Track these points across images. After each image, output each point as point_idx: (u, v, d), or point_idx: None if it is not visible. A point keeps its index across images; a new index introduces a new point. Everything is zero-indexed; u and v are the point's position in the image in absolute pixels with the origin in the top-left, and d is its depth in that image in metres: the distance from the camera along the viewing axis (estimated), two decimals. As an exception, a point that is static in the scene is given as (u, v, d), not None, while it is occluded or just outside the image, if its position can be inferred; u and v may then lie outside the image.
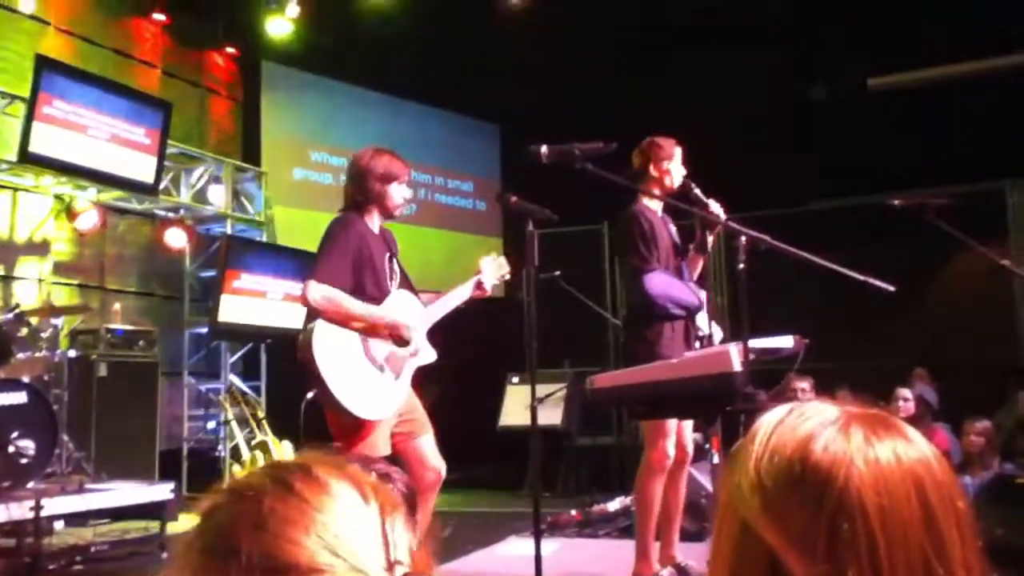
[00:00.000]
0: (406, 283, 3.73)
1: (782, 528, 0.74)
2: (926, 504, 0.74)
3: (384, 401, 3.45)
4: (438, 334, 3.75)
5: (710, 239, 4.09)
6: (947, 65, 8.08)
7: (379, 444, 3.40)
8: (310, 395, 3.47)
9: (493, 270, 3.87)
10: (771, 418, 0.82)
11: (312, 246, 8.50)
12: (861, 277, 2.79)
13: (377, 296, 3.50)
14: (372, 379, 3.43)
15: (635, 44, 8.39)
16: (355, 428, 3.38)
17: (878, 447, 0.75)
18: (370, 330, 3.43)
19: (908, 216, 3.73)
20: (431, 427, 3.65)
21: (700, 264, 4.17)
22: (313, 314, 3.42)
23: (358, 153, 3.68)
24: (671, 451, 3.96)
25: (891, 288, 2.80)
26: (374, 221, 3.63)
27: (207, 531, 0.66)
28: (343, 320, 3.38)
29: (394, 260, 3.67)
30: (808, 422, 0.78)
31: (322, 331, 3.37)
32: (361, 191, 3.59)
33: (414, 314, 3.60)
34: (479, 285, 3.80)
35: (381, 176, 3.57)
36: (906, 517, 0.73)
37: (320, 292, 3.35)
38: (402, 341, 3.46)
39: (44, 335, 5.53)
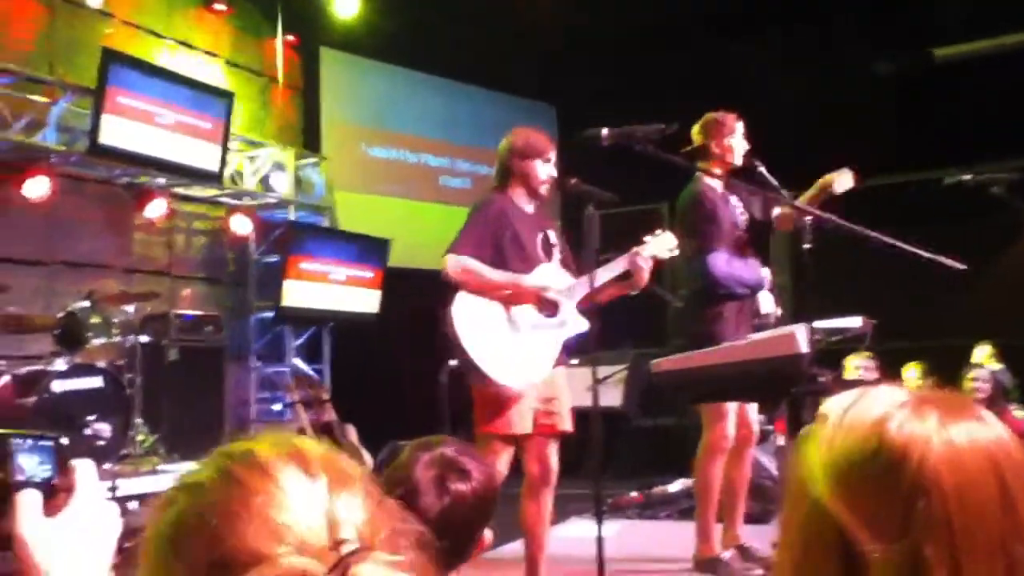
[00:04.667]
0: (571, 264, 3.69)
1: (855, 507, 0.74)
2: (1003, 484, 0.73)
3: (528, 368, 3.41)
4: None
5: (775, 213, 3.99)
6: (1017, 33, 7.80)
7: (516, 419, 3.37)
8: (452, 363, 3.48)
9: (658, 246, 3.67)
10: (842, 401, 0.82)
11: (373, 230, 8.63)
12: (931, 255, 2.73)
13: (523, 268, 3.49)
14: (516, 347, 3.41)
15: (693, 23, 8.27)
16: (496, 400, 3.37)
17: (952, 428, 0.75)
18: (513, 297, 3.41)
19: (977, 191, 3.63)
20: (569, 424, 3.56)
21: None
22: (454, 287, 3.43)
23: (505, 135, 3.67)
24: (731, 432, 3.93)
25: (962, 266, 2.74)
26: (522, 199, 3.61)
27: (159, 530, 0.66)
28: (482, 288, 3.39)
29: (551, 240, 3.63)
30: (880, 404, 0.78)
31: (462, 301, 3.40)
32: (503, 169, 3.62)
33: (559, 285, 3.55)
34: (634, 261, 3.57)
35: (521, 152, 3.57)
36: (983, 497, 0.72)
37: (457, 263, 3.38)
38: (549, 305, 3.42)
39: (116, 321, 5.71)
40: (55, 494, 0.90)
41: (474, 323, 3.38)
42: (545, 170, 3.58)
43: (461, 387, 3.65)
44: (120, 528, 0.94)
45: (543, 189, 3.61)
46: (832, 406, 0.82)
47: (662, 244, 3.67)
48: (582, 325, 3.58)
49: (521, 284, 3.42)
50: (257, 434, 0.72)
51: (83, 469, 0.93)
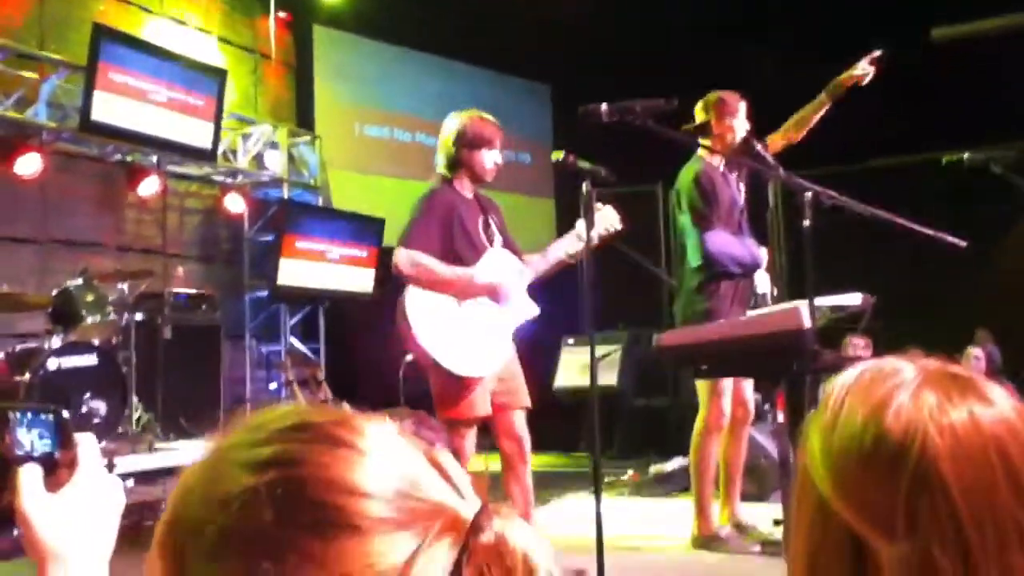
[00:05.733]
0: (509, 246, 3.70)
1: (858, 504, 0.71)
2: (1011, 469, 0.69)
3: (483, 358, 3.45)
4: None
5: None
6: (1017, 13, 7.77)
7: (478, 403, 3.42)
8: (408, 358, 3.49)
9: (599, 222, 3.63)
10: (843, 382, 0.77)
11: (367, 209, 8.61)
12: (933, 232, 2.73)
13: (472, 257, 3.51)
14: (469, 337, 3.43)
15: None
16: (455, 387, 3.40)
17: (953, 412, 0.71)
18: (462, 293, 3.44)
19: (976, 171, 3.62)
20: (528, 400, 3.62)
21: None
22: (404, 281, 3.45)
23: (449, 118, 3.61)
24: (727, 410, 3.95)
25: (963, 244, 2.73)
26: (465, 186, 3.59)
27: (259, 510, 0.58)
28: (433, 285, 3.40)
29: (491, 224, 3.63)
30: (880, 386, 0.74)
31: (414, 295, 3.41)
32: (450, 158, 3.56)
33: (510, 271, 3.57)
34: (579, 237, 3.57)
35: (470, 142, 3.53)
36: (990, 485, 0.68)
37: (408, 258, 3.37)
38: (499, 297, 3.46)
39: (110, 299, 5.68)
40: (57, 468, 0.88)
41: (427, 315, 3.40)
42: (491, 158, 3.56)
43: (419, 378, 3.66)
44: (124, 502, 0.92)
45: (489, 177, 3.60)
46: (833, 387, 0.78)
47: (604, 220, 3.64)
48: (533, 310, 3.63)
49: (471, 281, 3.43)
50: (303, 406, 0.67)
51: (85, 443, 0.90)
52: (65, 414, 0.91)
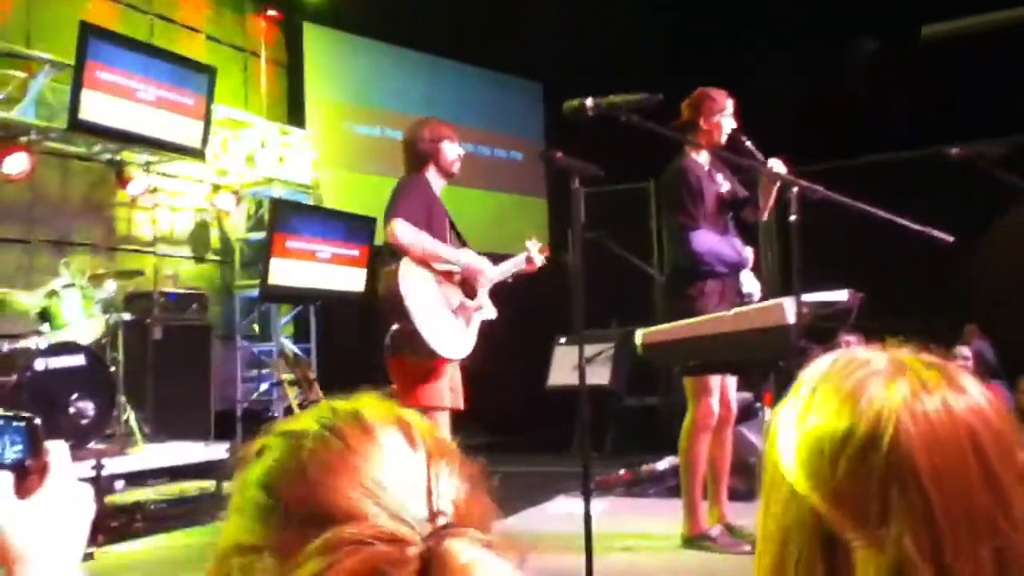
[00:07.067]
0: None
1: (830, 494, 0.69)
2: (983, 459, 0.68)
3: (458, 343, 3.60)
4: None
5: (771, 198, 3.95)
6: (1005, 10, 7.78)
7: (444, 393, 3.52)
8: (395, 327, 3.53)
9: (534, 254, 4.03)
10: (814, 371, 0.76)
11: (358, 207, 8.58)
12: (919, 227, 2.71)
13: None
14: (448, 321, 3.59)
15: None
16: (427, 369, 3.51)
17: (926, 400, 0.70)
18: (447, 273, 3.60)
19: (964, 167, 3.61)
20: (461, 405, 3.74)
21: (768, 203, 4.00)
22: (394, 253, 3.55)
23: (406, 127, 3.85)
24: (716, 408, 3.94)
25: (949, 239, 2.72)
26: (435, 183, 3.75)
27: (254, 477, 0.66)
28: (428, 258, 3.55)
29: (455, 227, 3.83)
30: (852, 374, 0.73)
31: (407, 269, 3.51)
32: (415, 156, 3.74)
33: (486, 270, 3.80)
34: (529, 260, 3.98)
35: (429, 138, 3.72)
36: (962, 475, 0.67)
37: (407, 229, 3.48)
38: (471, 289, 3.64)
39: (100, 299, 5.65)
40: (28, 475, 0.87)
41: (417, 292, 3.51)
42: (454, 150, 3.75)
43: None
44: (94, 510, 0.92)
45: (455, 167, 3.78)
46: (805, 376, 0.77)
47: (529, 251, 4.02)
48: (492, 312, 3.82)
49: (457, 260, 3.58)
50: (359, 394, 0.73)
51: (56, 450, 0.90)
52: (37, 421, 0.90)
